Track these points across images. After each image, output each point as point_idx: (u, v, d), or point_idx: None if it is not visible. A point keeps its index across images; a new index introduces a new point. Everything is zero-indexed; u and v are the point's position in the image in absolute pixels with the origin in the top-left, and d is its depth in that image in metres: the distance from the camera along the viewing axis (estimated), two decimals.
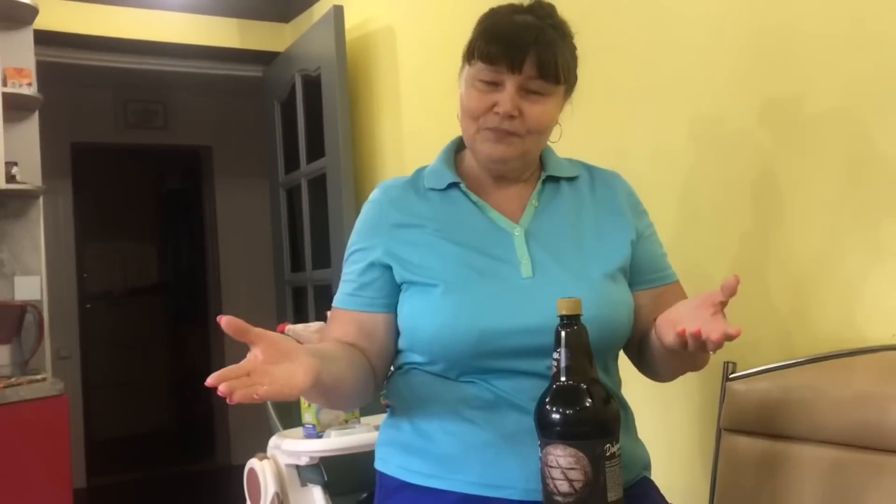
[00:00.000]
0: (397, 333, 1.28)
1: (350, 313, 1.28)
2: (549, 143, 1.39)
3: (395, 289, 1.27)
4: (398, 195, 1.32)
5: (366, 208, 1.34)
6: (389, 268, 1.25)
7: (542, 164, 1.35)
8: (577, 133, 2.05)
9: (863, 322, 1.42)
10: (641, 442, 1.32)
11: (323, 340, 1.27)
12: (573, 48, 1.26)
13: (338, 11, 3.16)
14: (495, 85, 1.21)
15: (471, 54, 1.23)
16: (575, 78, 1.28)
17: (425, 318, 1.20)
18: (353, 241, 1.32)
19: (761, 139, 1.60)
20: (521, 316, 1.16)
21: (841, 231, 1.46)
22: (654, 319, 1.16)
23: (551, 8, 1.26)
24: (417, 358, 1.25)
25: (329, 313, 1.34)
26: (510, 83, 1.20)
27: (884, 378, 1.31)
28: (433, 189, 1.31)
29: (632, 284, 1.30)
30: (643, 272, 1.31)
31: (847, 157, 1.44)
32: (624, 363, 1.34)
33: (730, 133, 1.67)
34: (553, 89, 1.23)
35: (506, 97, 1.20)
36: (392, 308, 1.27)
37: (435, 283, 1.20)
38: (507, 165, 1.27)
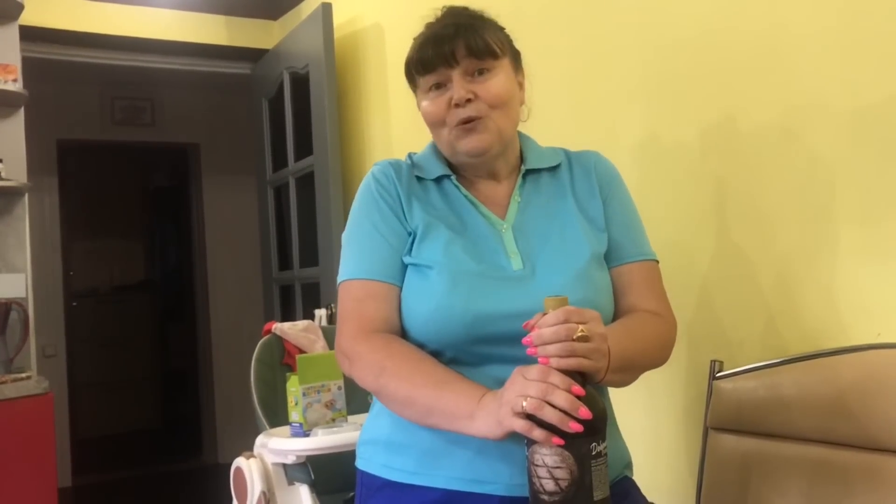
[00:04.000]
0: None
1: (392, 288, 1.25)
2: (529, 136, 1.42)
3: (404, 266, 1.26)
4: (403, 175, 1.33)
5: (373, 181, 1.32)
6: (405, 240, 1.26)
7: (522, 157, 1.37)
8: (567, 129, 2.06)
9: (848, 321, 1.43)
10: (623, 441, 1.33)
11: (374, 330, 1.22)
12: (498, 25, 1.33)
13: (326, 9, 3.15)
14: (444, 87, 1.28)
15: (411, 75, 1.33)
16: (514, 50, 1.34)
17: (421, 299, 1.21)
18: (372, 206, 1.30)
19: (748, 138, 1.61)
20: (514, 301, 1.18)
21: (826, 231, 1.46)
22: (628, 298, 1.29)
23: (463, 7, 1.34)
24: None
25: (355, 284, 1.26)
26: (454, 76, 1.27)
27: (868, 377, 1.32)
28: (424, 179, 1.34)
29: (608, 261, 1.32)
30: (613, 249, 1.32)
31: (833, 157, 1.45)
32: None
33: (716, 133, 1.68)
34: (495, 64, 1.28)
35: (455, 87, 1.26)
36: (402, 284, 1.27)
37: (430, 266, 1.22)
38: (490, 153, 1.30)
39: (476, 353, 1.19)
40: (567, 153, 1.41)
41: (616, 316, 1.29)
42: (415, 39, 1.33)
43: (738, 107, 1.62)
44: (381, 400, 1.24)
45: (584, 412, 0.98)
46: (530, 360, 1.14)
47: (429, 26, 1.32)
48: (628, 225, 1.35)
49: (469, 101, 1.25)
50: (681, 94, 1.76)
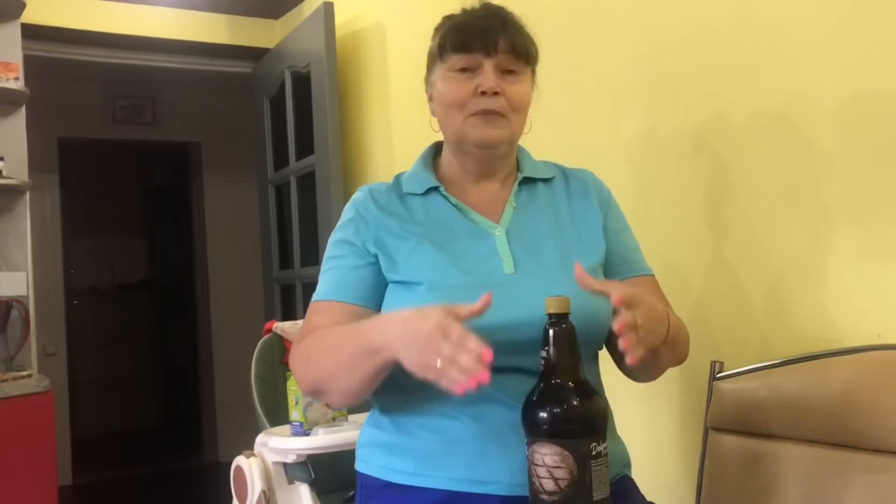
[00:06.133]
0: None
1: (343, 305, 1.26)
2: (524, 147, 1.42)
3: (382, 287, 1.27)
4: (382, 197, 1.33)
5: (351, 207, 1.34)
6: (377, 264, 1.26)
7: (517, 165, 1.38)
8: (566, 132, 2.06)
9: (849, 322, 1.43)
10: (621, 440, 1.32)
11: (310, 333, 1.25)
12: (532, 36, 1.34)
13: (328, 8, 3.15)
14: (472, 71, 1.27)
15: (442, 50, 1.29)
16: (538, 61, 1.35)
17: None
18: (342, 235, 1.32)
19: (744, 140, 1.61)
20: (506, 310, 1.17)
21: (827, 231, 1.46)
22: None
23: (501, 6, 1.33)
24: None
25: (312, 306, 1.30)
26: (487, 65, 1.26)
27: (869, 378, 1.32)
28: (413, 194, 1.33)
29: (607, 276, 1.32)
30: (613, 265, 1.33)
31: (832, 158, 1.45)
32: (606, 363, 1.34)
33: (712, 134, 1.68)
34: (524, 69, 1.30)
35: (487, 76, 1.25)
36: (378, 306, 1.27)
37: (419, 282, 1.21)
38: (497, 150, 1.30)
39: None
40: (561, 168, 1.42)
41: None
42: (448, 18, 1.32)
43: (736, 106, 1.62)
44: (320, 392, 1.22)
45: (484, 376, 0.96)
46: (522, 367, 1.15)
47: (467, 13, 1.31)
48: (626, 243, 1.37)
49: (496, 93, 1.25)
50: (677, 92, 1.76)
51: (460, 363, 0.97)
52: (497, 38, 1.25)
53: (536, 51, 1.32)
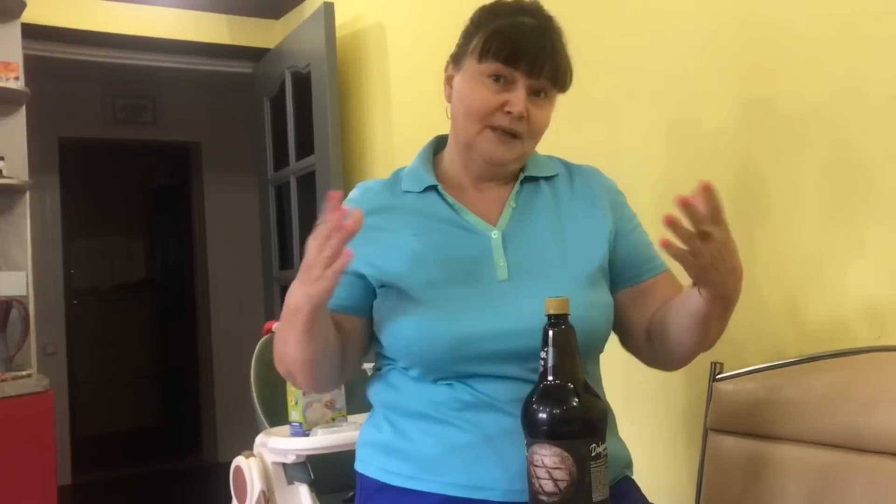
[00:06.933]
0: (367, 338, 1.28)
1: None
2: None
3: (369, 296, 1.26)
4: (375, 197, 1.31)
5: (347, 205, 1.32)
6: (363, 276, 1.24)
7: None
8: (568, 132, 2.05)
9: (849, 323, 1.43)
10: (622, 441, 1.31)
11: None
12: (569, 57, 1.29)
13: (328, 8, 3.15)
14: (504, 82, 1.21)
15: (483, 54, 1.22)
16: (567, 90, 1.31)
17: (400, 325, 1.20)
18: None
19: (750, 140, 1.61)
20: (497, 320, 1.16)
21: (828, 233, 1.46)
22: (656, 309, 1.22)
23: (548, 13, 1.27)
24: (396, 360, 1.25)
25: None
26: (523, 84, 1.21)
27: (869, 379, 1.32)
28: (410, 192, 1.30)
29: (625, 280, 1.30)
30: (634, 265, 1.30)
31: (836, 159, 1.45)
32: (606, 364, 1.33)
33: (719, 134, 1.68)
34: (555, 95, 1.26)
35: (519, 98, 1.20)
36: (363, 313, 1.26)
37: (409, 289, 1.20)
38: (504, 168, 1.28)
39: (462, 371, 1.18)
40: (566, 164, 1.38)
41: (642, 329, 1.27)
42: (493, 14, 1.25)
43: (750, 103, 1.62)
44: (290, 375, 1.26)
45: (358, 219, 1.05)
46: (517, 376, 1.15)
47: (516, 20, 1.23)
48: (640, 240, 1.33)
49: (522, 117, 1.21)
50: (691, 88, 1.76)
51: (330, 239, 1.03)
52: (545, 63, 1.20)
53: (571, 80, 1.28)
